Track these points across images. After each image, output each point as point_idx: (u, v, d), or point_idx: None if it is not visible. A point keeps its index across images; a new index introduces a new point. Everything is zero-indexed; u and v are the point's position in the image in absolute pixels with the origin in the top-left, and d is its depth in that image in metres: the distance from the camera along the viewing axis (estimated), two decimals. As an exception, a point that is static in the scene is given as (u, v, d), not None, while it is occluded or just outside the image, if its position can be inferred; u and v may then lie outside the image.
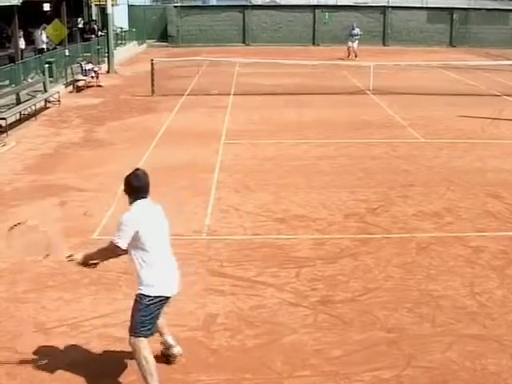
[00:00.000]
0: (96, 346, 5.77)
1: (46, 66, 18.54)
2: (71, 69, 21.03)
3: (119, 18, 31.27)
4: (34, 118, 15.91)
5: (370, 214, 9.23)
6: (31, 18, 22.25)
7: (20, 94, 16.71)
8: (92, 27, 28.76)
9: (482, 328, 6.14)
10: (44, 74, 18.42)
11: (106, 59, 24.94)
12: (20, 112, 15.60)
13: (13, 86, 16.97)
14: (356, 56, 28.93)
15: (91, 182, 10.67)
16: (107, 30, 25.13)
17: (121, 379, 5.30)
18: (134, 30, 34.16)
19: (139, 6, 36.86)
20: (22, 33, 20.77)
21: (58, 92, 18.30)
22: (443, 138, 13.92)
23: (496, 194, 10.11)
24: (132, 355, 5.23)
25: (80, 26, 29.48)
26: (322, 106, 17.56)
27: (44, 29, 22.49)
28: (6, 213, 9.27)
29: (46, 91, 18.10)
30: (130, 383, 5.24)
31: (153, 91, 19.36)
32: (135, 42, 33.88)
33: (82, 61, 21.77)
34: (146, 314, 4.92)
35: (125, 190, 4.99)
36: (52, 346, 5.77)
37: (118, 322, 6.03)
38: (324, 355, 5.68)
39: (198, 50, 30.49)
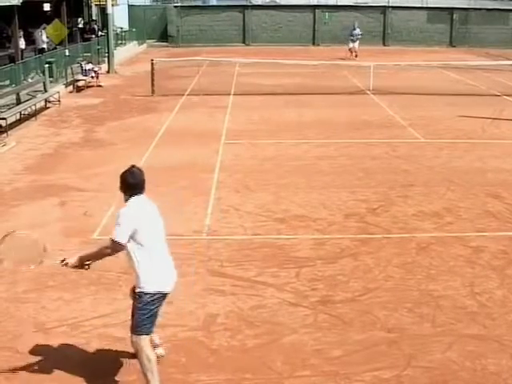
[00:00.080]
0: (96, 346, 5.77)
1: (46, 65, 18.55)
2: (71, 69, 21.03)
3: (119, 18, 31.26)
4: (34, 118, 15.92)
5: (370, 214, 9.23)
6: (31, 17, 22.25)
7: (20, 94, 16.71)
8: (92, 27, 28.76)
9: (482, 328, 6.14)
10: (44, 74, 18.43)
11: (106, 59, 24.94)
12: (20, 112, 15.60)
13: (13, 86, 16.97)
14: (356, 56, 28.95)
15: (91, 182, 10.67)
16: (107, 29, 25.13)
17: (121, 379, 5.30)
18: (134, 29, 34.17)
19: (139, 6, 36.87)
20: (22, 33, 20.77)
21: (58, 92, 18.30)
22: (443, 137, 13.92)
23: (496, 194, 10.11)
24: (132, 355, 5.25)
25: (80, 26, 29.48)
26: (322, 106, 17.56)
27: (44, 29, 22.48)
28: (6, 213, 9.27)
29: (46, 91, 18.10)
30: (130, 383, 5.24)
31: (153, 91, 19.36)
32: (135, 42, 33.88)
33: (82, 61, 21.77)
34: (146, 311, 4.93)
35: (120, 188, 4.99)
36: (52, 346, 5.77)
37: (118, 322, 6.03)
38: (324, 355, 5.68)
39: (198, 50, 30.50)
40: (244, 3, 37.29)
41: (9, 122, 14.26)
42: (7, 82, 17.09)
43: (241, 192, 10.22)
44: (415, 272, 7.35)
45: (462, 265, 7.55)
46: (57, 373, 5.36)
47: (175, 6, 36.82)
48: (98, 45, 25.53)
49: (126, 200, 4.96)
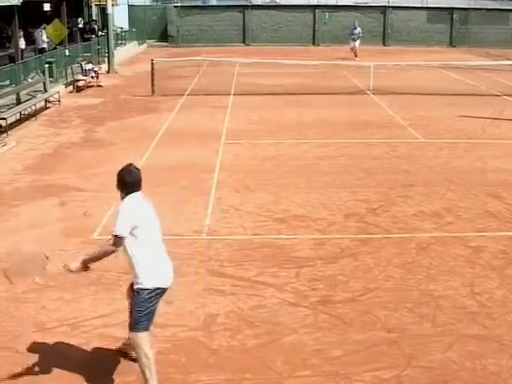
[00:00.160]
0: (96, 346, 5.77)
1: (46, 65, 18.54)
2: (71, 69, 21.03)
3: (119, 18, 31.25)
4: (34, 118, 15.91)
5: (370, 214, 9.23)
6: (31, 17, 22.24)
7: (20, 94, 16.71)
8: (92, 27, 28.76)
9: (482, 328, 6.14)
10: (44, 74, 18.42)
11: (106, 59, 24.94)
12: (20, 112, 15.60)
13: (13, 86, 16.96)
14: (356, 56, 28.97)
15: (91, 182, 10.67)
16: (107, 29, 25.12)
17: (121, 379, 5.30)
18: (134, 29, 34.16)
19: (139, 6, 36.86)
20: (22, 33, 20.77)
21: (58, 92, 18.30)
22: (443, 138, 13.92)
23: (496, 194, 10.11)
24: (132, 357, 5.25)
25: (80, 26, 29.47)
26: (322, 106, 17.56)
27: (44, 29, 22.48)
28: (6, 213, 9.28)
29: (46, 91, 18.10)
30: (130, 383, 5.24)
31: (153, 91, 19.36)
32: (135, 42, 33.88)
33: (82, 61, 21.76)
34: (144, 308, 4.95)
35: (117, 186, 5.02)
36: (52, 346, 5.77)
37: (118, 322, 6.02)
38: (324, 355, 5.68)
39: (198, 50, 30.50)
40: (244, 3, 37.28)
41: (9, 122, 14.26)
42: (7, 82, 17.08)
43: (241, 192, 10.22)
44: (415, 272, 7.35)
45: (461, 265, 7.55)
46: (57, 373, 5.37)
47: (175, 6, 36.82)
48: (98, 45, 25.52)
49: (123, 198, 4.99)
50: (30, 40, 22.44)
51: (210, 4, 39.72)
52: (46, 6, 23.78)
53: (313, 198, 9.89)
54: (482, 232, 8.58)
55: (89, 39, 26.20)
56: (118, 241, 4.85)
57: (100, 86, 21.46)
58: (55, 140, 13.85)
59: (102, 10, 28.95)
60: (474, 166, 11.79)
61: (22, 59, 19.53)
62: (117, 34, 29.22)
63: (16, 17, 19.37)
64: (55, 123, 15.62)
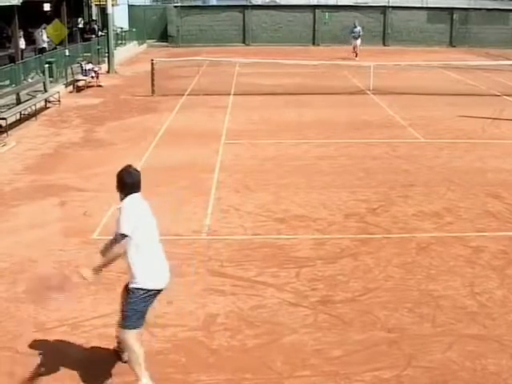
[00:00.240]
0: (96, 346, 5.77)
1: (46, 65, 18.54)
2: (71, 69, 21.03)
3: (119, 18, 31.25)
4: (34, 118, 15.91)
5: (370, 214, 9.23)
6: (31, 17, 22.23)
7: (20, 94, 16.71)
8: (92, 27, 28.75)
9: (482, 328, 6.14)
10: (44, 74, 18.42)
11: (106, 59, 24.94)
12: (20, 112, 15.60)
13: (13, 86, 16.96)
14: (356, 56, 29.01)
15: (91, 182, 10.67)
16: (107, 29, 25.12)
17: (121, 379, 5.30)
18: (134, 29, 34.16)
19: (139, 6, 36.86)
20: (22, 33, 20.76)
21: (58, 92, 18.30)
22: (443, 138, 13.92)
23: (496, 194, 10.11)
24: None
25: (80, 26, 29.46)
26: (322, 106, 17.55)
27: (44, 28, 22.49)
28: (6, 213, 9.28)
29: (46, 91, 18.10)
30: (130, 383, 5.24)
31: (153, 91, 19.36)
32: (135, 42, 33.88)
33: (82, 61, 21.76)
34: (137, 306, 4.99)
35: (117, 187, 5.05)
36: (52, 346, 5.78)
37: (118, 322, 6.02)
38: (324, 355, 5.68)
39: (198, 50, 30.50)
40: (244, 3, 37.28)
41: (9, 122, 14.25)
42: (7, 82, 17.08)
43: (241, 192, 10.22)
44: (415, 272, 7.35)
45: (461, 265, 7.55)
46: (57, 372, 5.37)
47: (175, 6, 36.81)
48: (98, 45, 25.52)
49: (122, 199, 5.01)
50: (30, 40, 22.43)
51: (210, 4, 39.72)
52: (46, 6, 23.78)
53: (313, 198, 9.89)
54: (482, 232, 8.58)
55: (89, 39, 26.19)
56: (123, 239, 4.87)
57: (100, 85, 21.46)
58: (55, 140, 13.84)
59: (102, 10, 28.94)
60: (473, 165, 11.79)
61: (22, 59, 19.53)
62: (117, 33, 29.22)
63: (16, 17, 19.37)
64: (55, 123, 15.62)
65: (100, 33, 28.37)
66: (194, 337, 5.96)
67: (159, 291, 5.08)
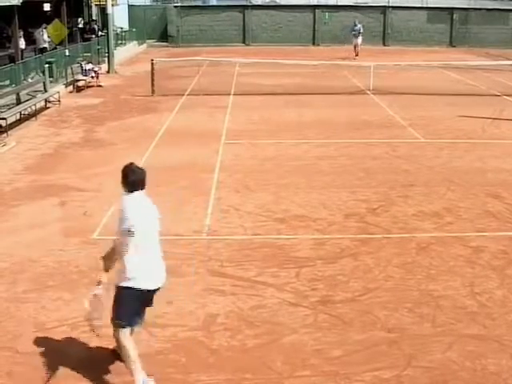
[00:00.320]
0: (96, 346, 5.76)
1: (46, 65, 18.54)
2: (71, 69, 21.02)
3: (119, 18, 31.25)
4: (34, 118, 15.91)
5: (370, 214, 9.23)
6: (31, 17, 22.24)
7: (20, 94, 16.71)
8: (92, 27, 28.75)
9: (482, 328, 6.14)
10: (44, 74, 18.42)
11: (106, 59, 24.93)
12: (20, 112, 15.60)
13: (13, 86, 16.96)
14: (356, 55, 29.05)
15: (91, 182, 10.67)
16: (107, 29, 25.12)
17: (121, 379, 5.29)
18: (134, 29, 34.16)
19: (139, 6, 36.86)
20: (22, 33, 20.77)
21: (58, 92, 18.30)
22: (443, 137, 13.92)
23: (496, 194, 10.11)
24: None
25: (80, 26, 29.47)
26: (322, 106, 17.55)
27: (45, 28, 22.48)
28: (6, 213, 9.28)
29: (46, 91, 18.10)
30: (130, 383, 5.23)
31: (153, 91, 19.36)
32: (135, 42, 33.88)
33: (82, 61, 21.76)
34: (126, 305, 5.02)
35: (122, 182, 5.09)
36: (52, 346, 5.77)
37: (118, 322, 6.02)
38: (324, 355, 5.68)
39: (197, 50, 30.50)
40: (244, 3, 37.28)
41: (9, 122, 14.25)
42: (7, 82, 17.08)
43: (241, 192, 10.22)
44: (415, 272, 7.35)
45: (461, 265, 7.55)
46: (57, 373, 5.37)
47: (175, 6, 36.81)
48: (98, 45, 25.52)
49: (126, 194, 5.06)
50: (30, 40, 22.44)
51: (210, 4, 39.73)
52: (46, 6, 23.79)
53: (313, 198, 9.89)
54: (482, 232, 8.58)
55: (89, 39, 26.19)
56: (128, 234, 4.89)
57: (100, 85, 21.45)
58: (55, 140, 13.84)
59: (102, 10, 28.94)
60: (474, 165, 11.79)
61: (21, 59, 19.53)
62: (117, 33, 29.22)
63: (16, 17, 19.38)
64: (55, 123, 15.62)
65: (100, 33, 28.37)
66: (193, 337, 5.96)
67: (150, 292, 5.08)
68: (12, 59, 19.72)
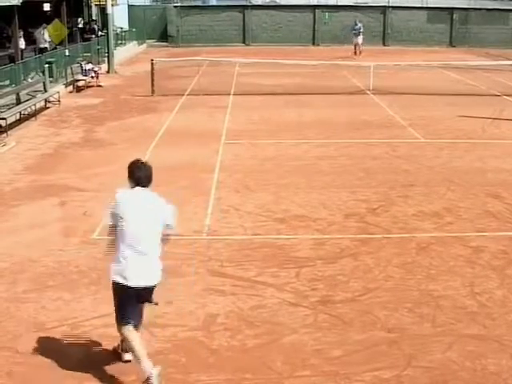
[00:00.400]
0: (96, 346, 5.77)
1: (46, 65, 18.55)
2: (71, 69, 21.03)
3: (119, 18, 31.27)
4: (33, 118, 15.91)
5: (370, 214, 9.23)
6: (31, 17, 22.24)
7: (20, 94, 16.71)
8: (92, 27, 28.77)
9: (482, 328, 6.14)
10: (44, 74, 18.42)
11: (106, 59, 24.94)
12: (20, 112, 15.60)
13: (13, 86, 16.97)
14: (355, 54, 29.08)
15: (91, 182, 10.67)
16: (107, 30, 25.13)
17: (121, 379, 5.29)
18: (134, 29, 34.17)
19: (139, 6, 36.88)
20: (22, 33, 20.77)
21: (58, 92, 18.30)
22: (443, 138, 13.92)
23: (496, 194, 10.11)
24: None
25: (80, 26, 29.48)
26: (322, 106, 17.55)
27: (45, 28, 22.48)
28: (5, 213, 9.28)
29: (46, 91, 18.10)
30: (130, 383, 5.24)
31: (153, 91, 19.36)
32: (135, 42, 33.88)
33: (82, 61, 21.77)
34: (117, 300, 5.16)
35: (127, 176, 5.16)
36: (52, 346, 5.77)
37: (118, 322, 6.02)
38: (324, 355, 5.68)
39: (197, 50, 30.50)
40: (244, 3, 37.29)
41: (9, 122, 14.25)
42: (7, 82, 17.08)
43: (241, 192, 10.22)
44: (415, 272, 7.35)
45: (461, 265, 7.55)
46: (57, 373, 5.36)
47: (175, 6, 36.82)
48: (98, 45, 25.53)
49: (123, 189, 5.17)
50: (30, 40, 22.44)
51: (210, 4, 39.74)
52: (46, 6, 23.78)
53: (313, 198, 9.89)
54: (482, 232, 8.58)
55: (89, 39, 26.21)
56: (109, 230, 5.10)
57: (100, 85, 21.46)
58: (55, 140, 13.84)
59: (102, 10, 28.95)
60: (474, 165, 11.79)
61: (21, 59, 19.53)
62: (117, 33, 29.23)
63: (16, 17, 19.37)
64: (55, 123, 15.62)
65: (100, 33, 28.39)
66: (193, 337, 5.96)
67: (135, 289, 5.03)
68: (12, 59, 19.72)
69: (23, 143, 13.46)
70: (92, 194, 10.09)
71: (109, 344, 5.74)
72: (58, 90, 18.63)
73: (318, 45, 36.28)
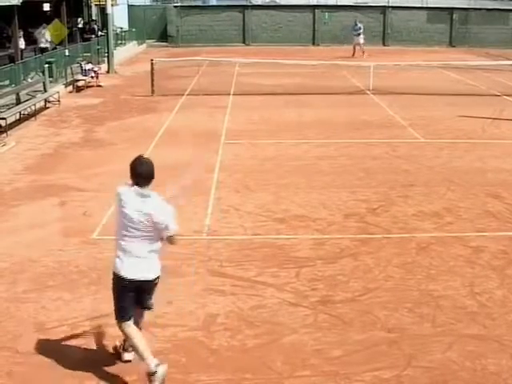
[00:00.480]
0: (96, 346, 5.77)
1: (46, 65, 18.55)
2: (71, 69, 21.03)
3: (119, 18, 31.27)
4: (33, 118, 15.91)
5: (370, 214, 9.23)
6: (31, 18, 22.25)
7: (20, 93, 16.71)
8: (92, 27, 28.77)
9: (482, 328, 6.14)
10: (44, 74, 18.42)
11: (105, 59, 24.94)
12: (20, 112, 15.60)
13: (13, 86, 16.97)
14: (362, 54, 29.08)
15: (91, 182, 10.67)
16: (107, 29, 25.13)
17: (121, 379, 5.29)
18: (133, 29, 34.17)
19: (139, 6, 36.87)
20: (21, 33, 20.77)
21: (58, 92, 18.30)
22: (443, 138, 13.92)
23: (496, 194, 10.11)
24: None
25: (80, 26, 29.48)
26: (321, 106, 17.56)
27: (44, 28, 22.48)
28: (5, 213, 9.27)
29: (45, 91, 18.10)
30: (130, 383, 5.24)
31: (153, 91, 19.36)
32: (135, 42, 33.88)
33: (82, 61, 21.77)
34: (116, 293, 5.19)
35: (130, 173, 5.19)
36: (52, 346, 5.77)
37: (118, 322, 6.02)
38: (324, 355, 5.68)
39: (197, 50, 30.50)
40: (244, 3, 37.29)
41: (8, 122, 14.25)
42: (7, 82, 17.09)
43: (241, 192, 10.22)
44: (415, 272, 7.35)
45: (462, 265, 7.55)
46: (57, 372, 5.36)
47: (175, 6, 36.82)
48: (98, 45, 25.52)
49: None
50: (30, 40, 22.44)
51: (210, 4, 39.74)
52: (46, 6, 23.79)
53: (313, 198, 9.89)
54: (482, 232, 8.58)
55: (88, 39, 26.20)
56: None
57: (100, 85, 21.46)
58: (55, 140, 13.84)
59: (102, 10, 28.94)
60: (474, 165, 11.79)
61: (21, 59, 19.53)
62: (116, 33, 29.22)
63: (16, 17, 19.38)
64: (55, 123, 15.62)
65: (100, 33, 28.39)
66: (194, 337, 5.96)
67: (129, 281, 5.05)
68: (12, 59, 19.73)
69: (23, 143, 13.47)
70: (92, 193, 10.09)
71: (109, 344, 5.75)
72: (58, 90, 18.63)
73: (318, 45, 36.28)
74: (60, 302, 6.60)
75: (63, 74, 20.59)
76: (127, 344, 5.38)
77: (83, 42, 25.95)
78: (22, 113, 15.77)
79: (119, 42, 30.12)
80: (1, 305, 6.53)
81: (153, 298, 5.32)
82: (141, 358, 5.13)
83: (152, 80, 19.51)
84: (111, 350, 5.64)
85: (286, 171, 11.30)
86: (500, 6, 37.47)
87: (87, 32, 28.04)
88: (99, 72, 21.98)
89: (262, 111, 16.73)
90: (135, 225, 5.04)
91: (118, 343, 5.56)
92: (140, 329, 5.36)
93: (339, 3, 37.14)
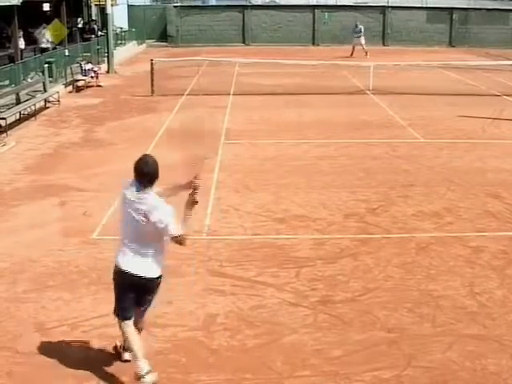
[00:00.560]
0: (96, 346, 5.77)
1: (46, 65, 18.54)
2: (71, 69, 21.02)
3: (119, 18, 31.27)
4: (33, 118, 15.91)
5: (370, 214, 9.23)
6: (31, 17, 22.24)
7: (20, 93, 16.71)
8: (92, 27, 28.76)
9: (482, 328, 6.14)
10: (44, 74, 18.41)
11: (105, 59, 24.93)
12: (20, 112, 15.60)
13: (13, 86, 16.96)
14: (365, 54, 29.09)
15: (91, 182, 10.67)
16: (107, 29, 25.12)
17: (121, 378, 5.30)
18: (133, 29, 34.15)
19: (139, 6, 36.85)
20: (21, 33, 20.76)
21: (58, 92, 18.30)
22: (443, 138, 13.92)
23: (496, 194, 10.11)
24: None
25: (80, 26, 29.46)
26: (321, 106, 17.55)
27: (44, 28, 22.48)
28: (5, 213, 9.27)
29: (45, 91, 18.09)
30: (130, 383, 5.24)
31: (152, 91, 19.35)
32: (135, 42, 33.87)
33: (82, 61, 21.75)
34: (116, 288, 5.22)
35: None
36: (52, 346, 5.77)
37: (118, 322, 6.02)
38: (324, 355, 5.68)
39: (197, 50, 30.48)
40: (244, 3, 37.27)
41: (8, 122, 14.25)
42: (7, 82, 17.08)
43: (241, 192, 10.22)
44: (415, 272, 7.35)
45: (461, 265, 7.55)
46: (57, 373, 5.36)
47: (175, 6, 36.80)
48: (98, 45, 25.52)
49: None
50: (30, 40, 22.43)
51: (210, 4, 39.70)
52: (46, 6, 23.78)
53: (313, 198, 9.89)
54: (482, 232, 8.58)
55: (88, 39, 26.19)
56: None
57: (100, 85, 21.45)
58: (55, 140, 13.84)
59: (102, 10, 28.92)
60: (474, 165, 11.79)
61: (21, 59, 19.53)
62: (116, 33, 29.21)
63: (16, 17, 19.37)
64: (55, 123, 15.62)
65: (99, 33, 28.37)
66: (194, 337, 5.96)
67: (127, 274, 5.05)
68: (12, 59, 19.72)
69: (23, 143, 13.46)
70: (92, 193, 10.09)
71: (109, 344, 5.75)
72: (58, 89, 18.63)
73: (318, 45, 36.26)
74: (60, 302, 6.60)
75: (63, 74, 20.58)
76: (127, 343, 5.38)
77: (83, 42, 25.94)
78: (22, 113, 15.77)
79: (119, 41, 30.10)
80: (1, 305, 6.54)
81: (155, 298, 5.31)
82: (134, 358, 5.16)
83: (152, 80, 19.51)
84: (111, 350, 5.64)
85: (286, 171, 11.30)
86: (500, 6, 37.46)
87: (87, 32, 28.04)
88: (99, 72, 21.98)
89: (262, 111, 16.73)
90: (135, 224, 5.04)
91: (118, 343, 5.56)
92: (140, 329, 5.36)
93: (339, 3, 37.12)
